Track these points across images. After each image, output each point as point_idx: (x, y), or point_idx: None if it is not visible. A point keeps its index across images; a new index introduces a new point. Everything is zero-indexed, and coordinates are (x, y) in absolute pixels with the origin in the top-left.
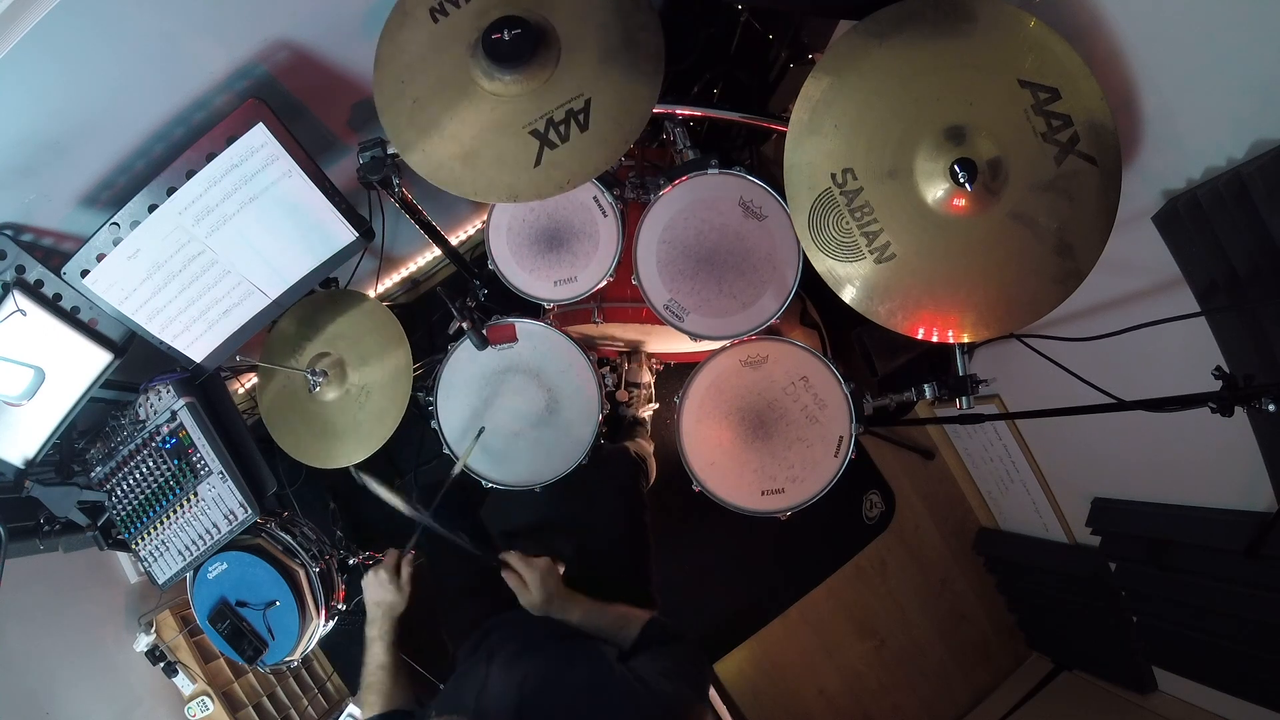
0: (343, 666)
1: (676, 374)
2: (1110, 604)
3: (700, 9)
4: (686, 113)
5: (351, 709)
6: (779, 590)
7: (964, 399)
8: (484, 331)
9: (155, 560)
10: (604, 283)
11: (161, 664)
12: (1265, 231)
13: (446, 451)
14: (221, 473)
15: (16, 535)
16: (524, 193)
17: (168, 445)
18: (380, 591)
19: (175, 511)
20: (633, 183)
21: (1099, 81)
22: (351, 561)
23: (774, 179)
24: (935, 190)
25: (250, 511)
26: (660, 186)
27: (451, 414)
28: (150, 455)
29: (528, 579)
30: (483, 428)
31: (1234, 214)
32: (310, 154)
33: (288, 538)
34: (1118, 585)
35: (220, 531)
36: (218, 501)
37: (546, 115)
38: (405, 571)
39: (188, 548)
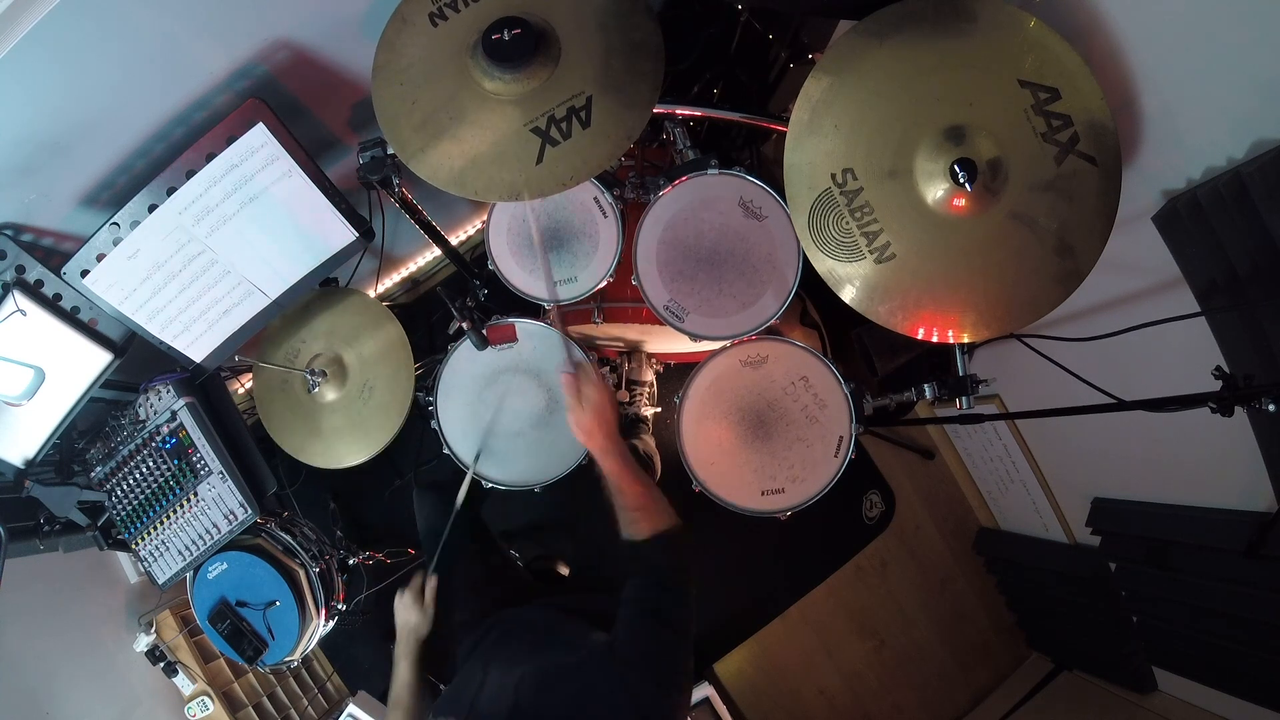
0: (342, 666)
1: (677, 374)
2: (1110, 604)
3: (700, 9)
4: (686, 113)
5: (352, 709)
6: (779, 590)
7: (964, 399)
8: (484, 331)
9: (155, 560)
10: (604, 283)
11: (161, 664)
12: (1265, 231)
13: (447, 452)
14: (221, 473)
15: (16, 535)
16: (527, 190)
17: (168, 445)
18: (405, 613)
19: (175, 511)
20: (633, 183)
21: (1099, 81)
22: (351, 561)
23: (774, 179)
24: (935, 190)
25: (250, 511)
26: (660, 186)
27: (451, 414)
28: (150, 455)
29: (589, 393)
30: (478, 454)
31: (1234, 214)
32: (310, 154)
33: (288, 538)
34: (1118, 585)
35: (220, 531)
36: (218, 501)
37: (548, 113)
38: (429, 594)
39: (188, 548)
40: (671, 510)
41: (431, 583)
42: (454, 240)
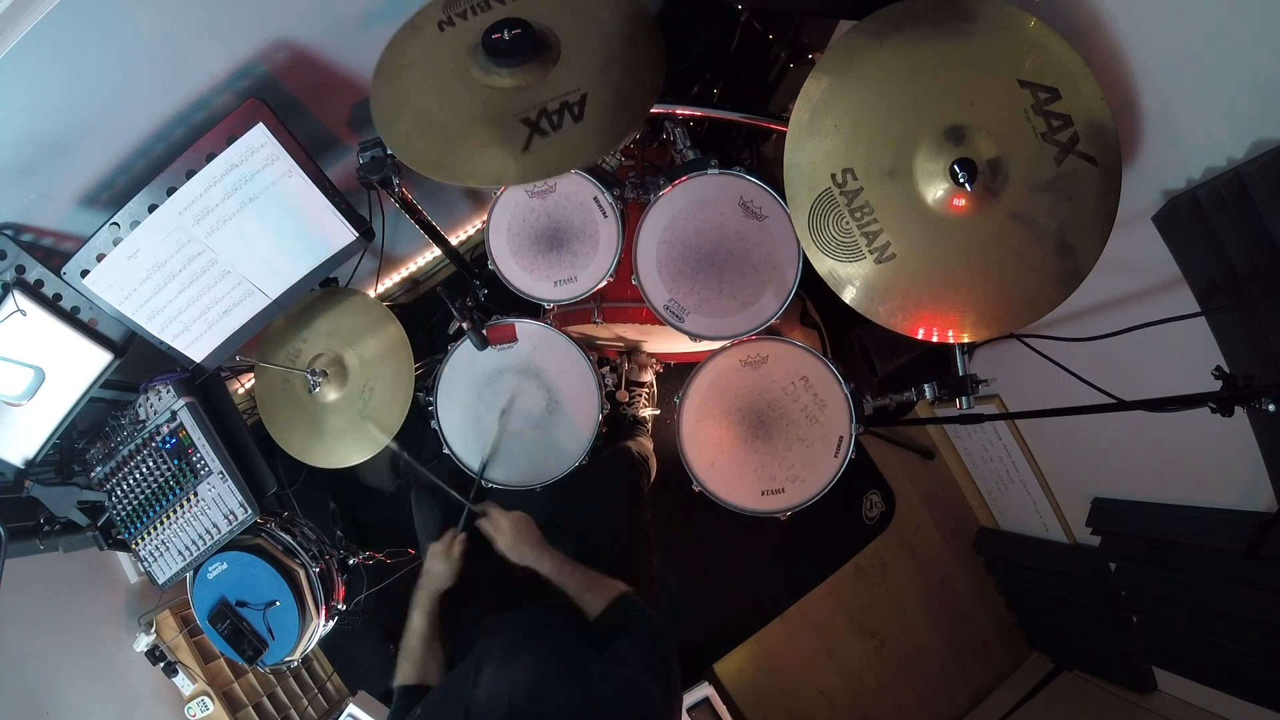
0: (342, 666)
1: (676, 374)
2: (1110, 604)
3: (700, 9)
4: (686, 113)
5: (352, 709)
6: (779, 590)
7: (964, 399)
8: (484, 331)
9: (155, 560)
10: (604, 283)
11: (161, 664)
12: (1265, 231)
13: (446, 452)
14: (221, 473)
15: (16, 535)
16: (509, 177)
17: (168, 445)
18: (431, 560)
19: (175, 511)
20: (633, 183)
21: (1099, 81)
22: (351, 561)
23: (774, 179)
24: (935, 190)
25: (250, 511)
26: (660, 186)
27: (451, 414)
28: (150, 455)
29: (502, 524)
30: (485, 461)
31: (1234, 214)
32: (310, 154)
33: (288, 538)
34: (1118, 585)
35: (220, 531)
36: (218, 501)
37: (540, 105)
38: (457, 549)
39: (188, 548)
40: (614, 581)
41: (460, 539)
42: (454, 240)
